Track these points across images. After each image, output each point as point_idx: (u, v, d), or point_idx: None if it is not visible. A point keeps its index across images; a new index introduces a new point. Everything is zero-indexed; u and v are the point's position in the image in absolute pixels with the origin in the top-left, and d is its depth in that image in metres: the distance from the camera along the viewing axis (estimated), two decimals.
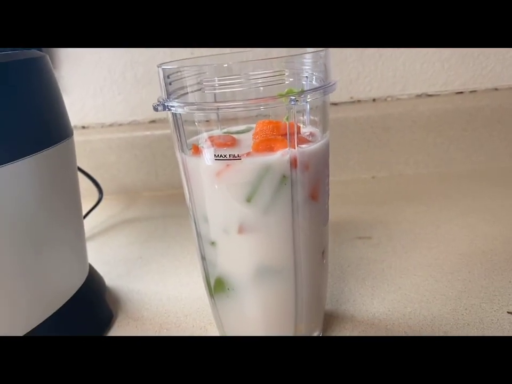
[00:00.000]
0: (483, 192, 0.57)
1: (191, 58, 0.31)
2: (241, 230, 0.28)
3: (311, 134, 0.29)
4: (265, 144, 0.27)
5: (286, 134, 0.26)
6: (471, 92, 0.64)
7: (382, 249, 0.46)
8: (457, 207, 0.54)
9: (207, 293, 0.32)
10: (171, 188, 0.69)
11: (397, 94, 0.65)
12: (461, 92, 0.64)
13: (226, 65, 0.27)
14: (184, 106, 0.27)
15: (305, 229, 0.28)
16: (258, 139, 0.28)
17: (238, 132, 0.31)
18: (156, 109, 0.27)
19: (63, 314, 0.34)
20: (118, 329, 0.37)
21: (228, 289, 0.30)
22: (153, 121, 0.68)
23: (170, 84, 0.28)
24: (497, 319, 0.34)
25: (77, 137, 0.38)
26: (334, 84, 0.27)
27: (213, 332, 0.36)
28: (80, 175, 0.43)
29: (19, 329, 0.31)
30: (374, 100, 0.65)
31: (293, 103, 0.24)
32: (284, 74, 0.26)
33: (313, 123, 0.30)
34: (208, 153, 0.27)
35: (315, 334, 0.33)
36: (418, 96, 0.65)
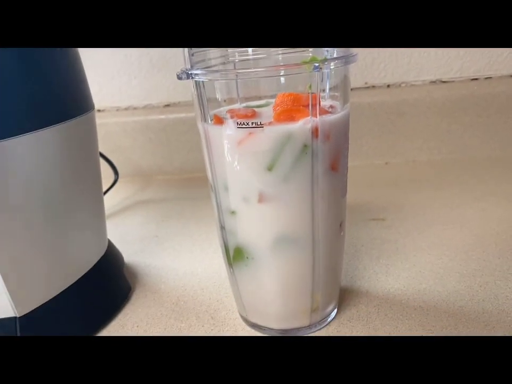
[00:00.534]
0: (498, 178, 0.57)
1: None
2: (261, 198, 0.28)
3: (331, 107, 0.30)
4: (287, 114, 0.28)
5: (308, 105, 0.27)
6: (486, 78, 0.64)
7: (395, 230, 0.46)
8: (471, 191, 0.54)
9: (226, 262, 0.33)
10: (185, 172, 0.70)
11: (412, 80, 0.65)
12: (476, 79, 0.64)
13: None
14: (207, 73, 0.27)
15: (324, 199, 0.29)
16: (279, 109, 0.28)
17: (258, 106, 0.32)
18: (179, 78, 0.28)
19: (83, 285, 0.35)
20: (136, 301, 0.38)
21: (247, 258, 0.30)
22: (167, 105, 0.69)
23: (193, 55, 0.29)
24: None
25: None
26: (355, 54, 0.27)
27: (229, 304, 0.36)
28: None
29: (41, 296, 0.32)
30: (388, 85, 0.65)
31: (316, 70, 0.25)
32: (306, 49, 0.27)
33: (333, 98, 0.30)
34: (230, 122, 0.28)
35: (330, 307, 0.33)
36: (433, 82, 0.65)
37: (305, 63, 0.25)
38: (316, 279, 0.31)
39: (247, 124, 0.27)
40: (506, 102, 0.62)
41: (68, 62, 0.33)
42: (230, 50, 0.31)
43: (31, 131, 0.29)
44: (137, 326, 0.35)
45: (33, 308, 0.32)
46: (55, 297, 0.33)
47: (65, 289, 0.34)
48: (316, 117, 0.26)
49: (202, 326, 0.34)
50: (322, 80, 0.27)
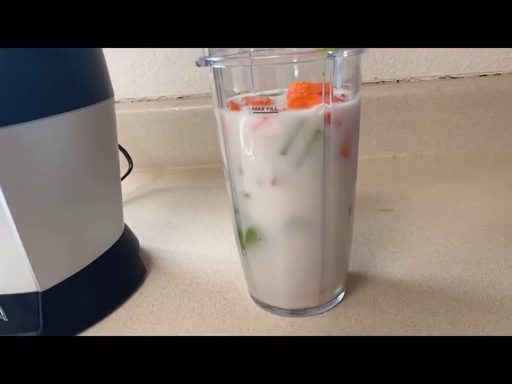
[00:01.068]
0: (505, 173, 0.57)
1: None
2: (274, 182, 0.30)
3: (343, 95, 0.31)
4: (300, 101, 0.29)
5: (321, 93, 0.28)
6: (495, 74, 0.64)
7: (403, 220, 0.47)
8: (479, 185, 0.55)
9: (238, 245, 0.34)
10: (197, 163, 0.72)
11: (421, 75, 0.66)
12: (485, 75, 0.65)
13: None
14: (224, 60, 0.29)
15: (335, 184, 0.30)
16: (293, 96, 0.30)
17: (272, 94, 0.33)
18: (198, 65, 0.29)
19: (101, 264, 0.37)
20: (151, 282, 0.40)
21: (260, 239, 0.32)
22: (181, 97, 0.70)
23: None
24: None
25: None
26: None
27: (240, 286, 0.38)
28: None
29: (59, 275, 0.34)
30: (397, 81, 0.66)
31: (330, 57, 0.26)
32: None
33: (345, 87, 0.31)
34: (245, 108, 0.29)
35: (338, 289, 0.35)
36: (442, 78, 0.65)
37: (319, 51, 0.26)
38: (325, 261, 0.32)
39: (262, 109, 0.28)
40: None
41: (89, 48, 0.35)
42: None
43: (51, 115, 0.30)
44: (152, 305, 0.36)
45: (54, 284, 0.33)
46: (74, 274, 0.35)
47: (84, 267, 0.35)
48: (329, 104, 0.28)
49: (215, 305, 0.36)
50: (335, 68, 0.28)
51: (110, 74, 0.39)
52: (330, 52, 0.26)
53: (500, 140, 0.65)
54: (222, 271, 0.41)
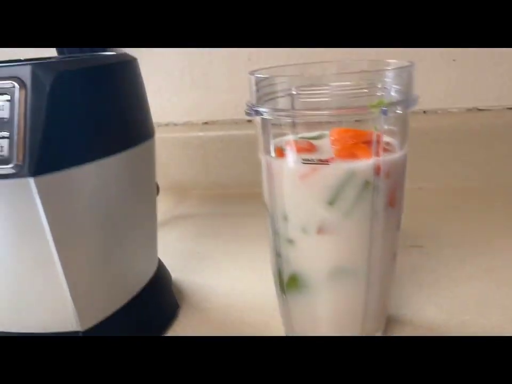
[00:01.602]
0: None
1: (277, 67, 0.33)
2: (320, 230, 0.29)
3: (388, 144, 0.31)
4: (348, 151, 0.29)
5: (367, 142, 0.28)
6: None
7: (435, 259, 0.47)
8: (510, 221, 0.54)
9: (278, 289, 0.34)
10: (220, 188, 0.72)
11: (448, 107, 0.66)
12: None
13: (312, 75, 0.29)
14: (273, 112, 0.29)
15: (382, 233, 0.30)
16: (339, 146, 0.30)
17: (312, 138, 0.33)
18: (248, 114, 0.29)
19: (139, 300, 0.37)
20: (184, 319, 0.40)
21: (302, 286, 0.31)
22: (206, 123, 0.71)
23: (258, 90, 0.30)
24: None
25: None
26: (417, 97, 0.29)
27: (276, 325, 0.37)
28: None
29: (103, 312, 0.34)
30: (424, 111, 0.66)
31: (384, 115, 0.26)
32: (370, 87, 0.28)
33: (389, 133, 0.32)
34: (293, 156, 0.29)
35: (378, 334, 0.34)
36: (469, 110, 0.65)
37: (372, 106, 0.27)
38: (368, 306, 0.32)
39: (312, 160, 0.28)
40: None
41: (132, 87, 0.35)
42: (291, 82, 0.32)
43: (93, 160, 0.30)
44: None
45: (95, 323, 0.33)
46: (114, 312, 0.35)
47: (123, 304, 0.35)
48: (379, 156, 0.28)
49: None
50: (385, 121, 0.28)
51: None
52: (385, 109, 0.26)
53: None
54: (256, 309, 0.40)
